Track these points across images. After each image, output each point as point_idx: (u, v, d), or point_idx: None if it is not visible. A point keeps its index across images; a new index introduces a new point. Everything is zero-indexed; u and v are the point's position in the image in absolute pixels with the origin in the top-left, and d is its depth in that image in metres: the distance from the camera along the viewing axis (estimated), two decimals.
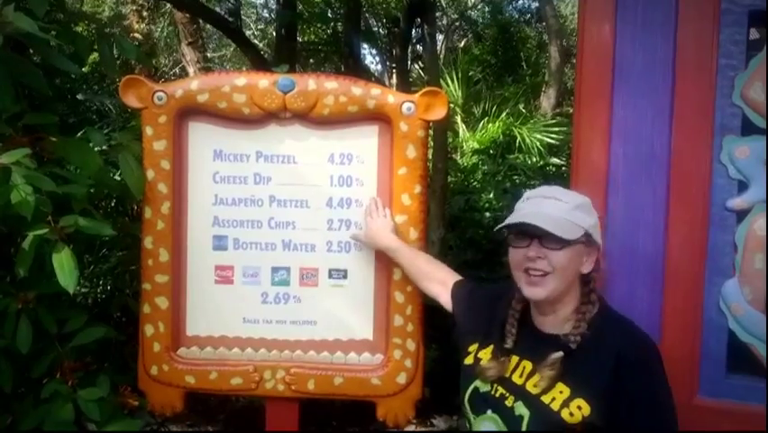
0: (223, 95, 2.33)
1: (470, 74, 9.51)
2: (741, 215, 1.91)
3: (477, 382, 1.66)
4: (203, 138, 2.41)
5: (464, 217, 6.23)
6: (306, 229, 2.40)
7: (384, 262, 2.36)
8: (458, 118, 8.56)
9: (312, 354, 2.38)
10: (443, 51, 11.34)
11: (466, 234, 6.01)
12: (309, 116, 2.35)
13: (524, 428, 1.53)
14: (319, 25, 8.67)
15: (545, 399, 1.54)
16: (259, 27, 11.82)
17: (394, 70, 9.32)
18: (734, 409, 1.92)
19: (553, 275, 1.54)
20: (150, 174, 2.35)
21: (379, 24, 10.00)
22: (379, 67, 11.60)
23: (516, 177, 7.41)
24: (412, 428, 4.95)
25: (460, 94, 8.76)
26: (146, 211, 2.36)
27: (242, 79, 2.35)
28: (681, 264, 1.94)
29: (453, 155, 8.19)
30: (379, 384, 2.33)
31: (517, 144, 7.89)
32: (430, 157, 6.92)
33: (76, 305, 2.77)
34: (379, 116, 2.34)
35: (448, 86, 8.71)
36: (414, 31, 6.36)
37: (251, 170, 2.41)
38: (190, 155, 2.42)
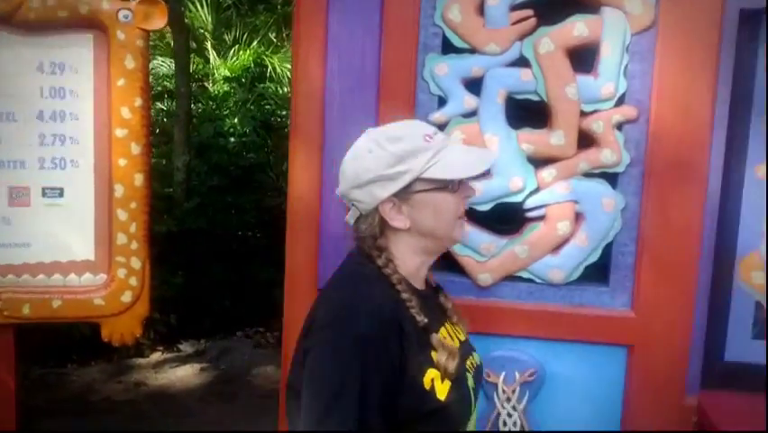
0: None
1: (220, 0, 9.22)
2: (440, 128, 2.09)
3: (469, 382, 1.36)
4: None
5: (212, 144, 6.14)
6: (13, 144, 2.23)
7: (104, 178, 2.27)
8: (208, 44, 8.30)
9: (26, 278, 2.25)
10: None
11: (212, 159, 5.94)
12: (13, 21, 2.16)
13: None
14: None
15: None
16: None
17: None
18: None
19: None
20: None
21: None
22: None
23: (267, 105, 7.42)
24: (159, 354, 4.90)
25: (210, 19, 8.47)
26: None
27: None
28: None
29: (205, 83, 7.97)
30: (103, 304, 2.27)
31: (269, 74, 7.86)
32: (173, 81, 6.67)
33: None
34: (93, 23, 2.21)
35: (197, 10, 8.37)
36: None
37: None
38: None
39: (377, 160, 1.30)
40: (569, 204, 2.06)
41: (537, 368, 2.11)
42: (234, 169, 5.92)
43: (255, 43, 8.22)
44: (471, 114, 2.07)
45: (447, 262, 2.13)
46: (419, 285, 1.39)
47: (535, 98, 2.05)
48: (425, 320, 1.29)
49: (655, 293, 2.02)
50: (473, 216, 2.11)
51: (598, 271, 2.09)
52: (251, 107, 7.21)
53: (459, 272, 2.14)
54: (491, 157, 1.47)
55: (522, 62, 2.04)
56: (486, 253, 2.10)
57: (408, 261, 1.36)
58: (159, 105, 7.24)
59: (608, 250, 2.07)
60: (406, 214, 1.32)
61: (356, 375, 1.18)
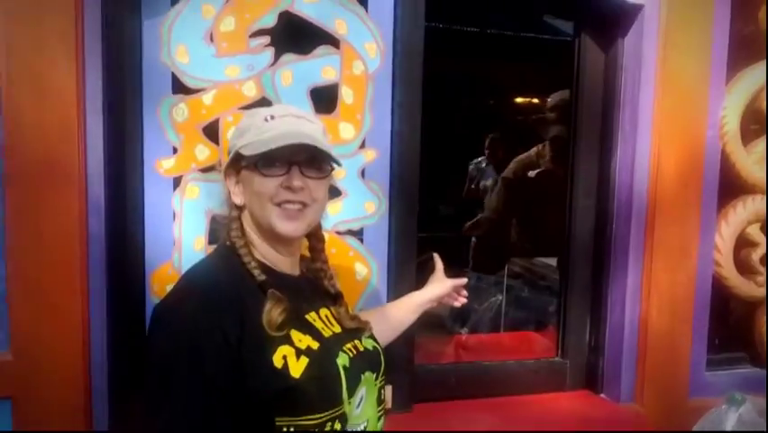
0: None
1: None
2: None
3: (340, 361, 1.25)
4: None
5: None
6: None
7: None
8: None
9: None
10: None
11: None
12: None
13: (382, 357, 1.39)
14: None
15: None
16: None
17: None
18: None
19: (312, 208, 1.29)
20: None
21: None
22: None
23: None
24: None
25: None
26: None
27: None
28: None
29: None
30: None
31: None
32: None
33: None
34: None
35: None
36: None
37: None
38: None
39: (231, 134, 1.31)
40: None
41: None
42: None
43: None
44: None
45: None
46: (288, 270, 1.32)
47: None
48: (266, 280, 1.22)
49: (37, 328, 1.60)
50: None
51: None
52: None
53: None
54: (312, 133, 1.26)
55: None
56: None
57: (258, 244, 1.29)
58: None
59: None
60: (239, 191, 1.28)
61: (184, 363, 1.09)
